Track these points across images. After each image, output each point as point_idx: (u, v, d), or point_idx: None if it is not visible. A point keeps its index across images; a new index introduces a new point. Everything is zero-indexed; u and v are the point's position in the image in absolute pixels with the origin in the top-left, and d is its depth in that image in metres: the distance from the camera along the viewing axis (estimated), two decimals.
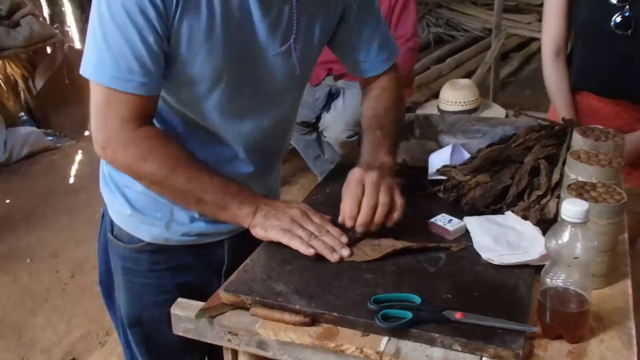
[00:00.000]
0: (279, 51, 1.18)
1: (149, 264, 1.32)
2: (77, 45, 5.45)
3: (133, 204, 1.28)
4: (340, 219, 1.14)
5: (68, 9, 5.42)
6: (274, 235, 1.12)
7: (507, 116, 3.12)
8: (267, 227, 1.13)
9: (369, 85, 1.42)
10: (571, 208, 0.86)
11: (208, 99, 1.17)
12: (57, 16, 5.31)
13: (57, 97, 4.97)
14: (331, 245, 1.10)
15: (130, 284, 1.34)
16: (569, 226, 0.87)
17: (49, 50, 4.90)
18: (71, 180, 4.37)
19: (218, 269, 1.34)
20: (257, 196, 1.19)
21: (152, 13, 1.03)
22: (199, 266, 1.34)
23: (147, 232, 1.29)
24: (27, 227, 3.64)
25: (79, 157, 4.72)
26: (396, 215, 1.14)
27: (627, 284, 1.04)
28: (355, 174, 1.17)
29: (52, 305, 2.93)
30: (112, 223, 1.34)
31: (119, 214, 1.31)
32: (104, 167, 1.33)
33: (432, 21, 7.37)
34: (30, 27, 4.47)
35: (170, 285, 1.33)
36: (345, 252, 1.10)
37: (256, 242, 1.18)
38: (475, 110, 3.08)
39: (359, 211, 1.12)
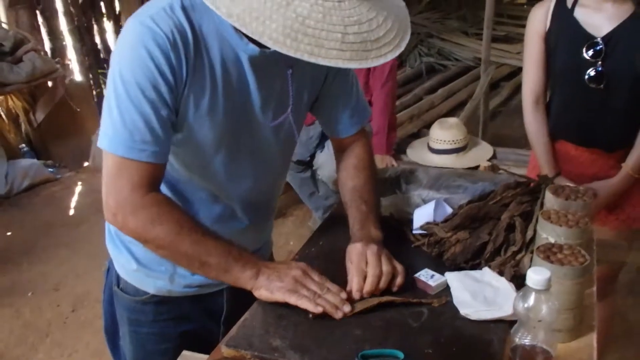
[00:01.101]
0: (276, 121, 1.30)
1: (153, 314, 1.42)
2: (78, 77, 5.54)
3: (138, 259, 1.38)
4: (348, 289, 1.23)
5: (69, 43, 5.50)
6: (281, 296, 1.18)
7: (494, 154, 3.23)
8: (272, 289, 1.19)
9: (344, 152, 1.51)
10: (534, 277, 0.97)
11: (211, 163, 1.28)
12: (58, 50, 5.39)
13: (57, 129, 5.03)
14: (334, 303, 1.18)
15: (135, 333, 1.44)
16: (534, 292, 0.98)
17: (50, 84, 4.99)
18: (71, 212, 4.45)
19: (217, 318, 1.44)
20: (258, 259, 1.25)
21: (163, 88, 1.14)
22: (199, 315, 1.44)
23: (152, 285, 1.39)
24: (29, 260, 3.71)
25: (78, 188, 4.80)
26: (399, 280, 1.25)
27: (593, 338, 1.14)
28: (357, 248, 1.27)
29: (54, 339, 3.00)
30: (118, 277, 1.44)
31: (125, 268, 1.41)
32: (111, 226, 1.42)
33: (424, 51, 7.48)
34: (32, 63, 4.56)
35: (173, 334, 1.42)
36: (347, 308, 1.18)
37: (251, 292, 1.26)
38: (463, 148, 3.19)
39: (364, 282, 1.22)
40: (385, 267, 1.24)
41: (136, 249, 1.37)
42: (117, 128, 1.14)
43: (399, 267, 1.27)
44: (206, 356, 1.13)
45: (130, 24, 1.14)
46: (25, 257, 3.75)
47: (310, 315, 1.16)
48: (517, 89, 6.61)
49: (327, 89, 1.41)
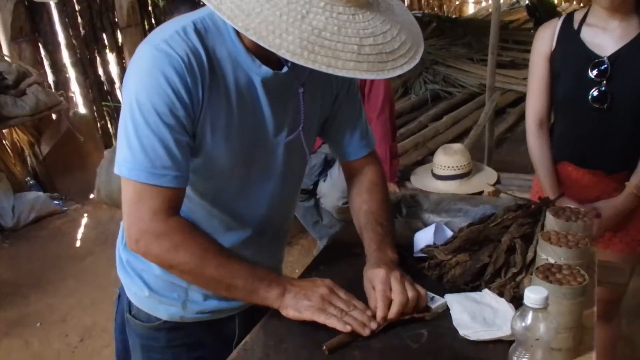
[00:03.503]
0: (289, 138, 1.31)
1: (166, 340, 1.41)
2: (81, 110, 5.56)
3: (151, 286, 1.38)
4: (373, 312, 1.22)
5: (72, 75, 5.52)
6: (309, 315, 1.18)
7: (498, 179, 3.23)
8: (299, 308, 1.19)
9: (356, 176, 1.51)
10: (531, 295, 0.97)
11: (225, 188, 1.29)
12: (61, 83, 5.42)
13: (63, 162, 5.06)
14: (361, 321, 1.18)
15: None
16: (531, 311, 0.98)
17: (54, 116, 5.04)
18: (77, 244, 4.46)
19: (229, 343, 1.42)
20: (282, 278, 1.25)
21: (181, 112, 1.14)
22: (212, 341, 1.44)
23: (165, 311, 1.39)
24: (36, 292, 3.72)
25: (84, 220, 4.82)
26: (422, 303, 1.25)
27: (592, 357, 1.14)
28: (380, 275, 1.25)
29: None
30: (129, 304, 1.44)
31: (137, 295, 1.41)
32: (122, 254, 1.43)
33: (429, 78, 7.48)
34: (36, 97, 4.60)
35: None
36: (374, 325, 1.18)
37: (264, 316, 1.27)
38: (467, 174, 3.19)
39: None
40: (411, 294, 1.22)
41: (148, 275, 1.38)
42: (137, 155, 1.14)
43: (422, 290, 1.26)
44: None
45: (144, 49, 1.15)
46: (32, 289, 3.76)
47: (326, 350, 1.14)
48: (523, 115, 6.51)
49: (336, 110, 1.43)
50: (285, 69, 1.23)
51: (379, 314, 1.20)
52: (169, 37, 1.14)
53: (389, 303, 1.21)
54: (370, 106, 3.17)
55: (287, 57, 0.96)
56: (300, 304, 1.20)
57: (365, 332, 1.17)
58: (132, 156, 1.15)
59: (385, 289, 1.22)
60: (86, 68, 5.59)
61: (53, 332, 3.31)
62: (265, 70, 1.21)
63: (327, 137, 1.49)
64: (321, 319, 1.18)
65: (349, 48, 0.98)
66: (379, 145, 3.21)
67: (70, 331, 3.30)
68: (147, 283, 1.38)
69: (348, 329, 1.16)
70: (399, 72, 1.04)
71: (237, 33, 1.18)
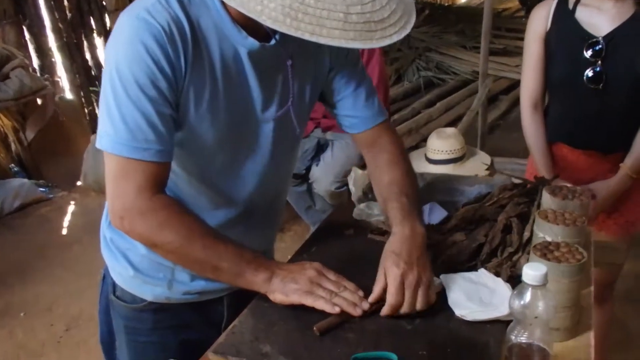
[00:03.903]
0: (278, 113, 1.26)
1: (151, 322, 1.37)
2: (68, 95, 5.47)
3: (135, 266, 1.34)
4: (371, 299, 1.16)
5: (58, 60, 5.41)
6: (297, 298, 1.15)
7: (492, 164, 3.20)
8: (287, 292, 1.16)
9: (372, 149, 1.43)
10: (530, 272, 0.94)
11: (212, 163, 1.25)
12: (47, 67, 5.31)
13: (49, 149, 4.97)
14: (352, 301, 1.15)
15: (133, 342, 1.40)
16: (530, 288, 0.94)
17: (39, 101, 4.94)
18: (64, 232, 4.40)
19: (218, 325, 1.38)
20: (271, 262, 1.22)
21: (163, 84, 1.10)
22: (199, 323, 1.40)
23: (150, 292, 1.35)
24: (21, 281, 3.66)
25: (71, 208, 4.75)
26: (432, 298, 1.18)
27: (590, 337, 1.11)
28: (395, 273, 1.15)
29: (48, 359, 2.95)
30: (114, 285, 1.40)
31: (122, 275, 1.37)
32: (106, 232, 1.38)
33: (422, 65, 7.50)
34: (20, 80, 4.50)
35: (173, 343, 1.38)
36: (365, 305, 1.14)
37: (253, 298, 1.23)
38: (461, 158, 3.16)
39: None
40: (419, 306, 1.15)
41: (132, 255, 1.34)
42: (118, 128, 1.10)
43: (433, 297, 1.18)
44: None
45: (124, 18, 1.10)
46: (17, 277, 3.69)
47: (317, 331, 1.11)
48: (516, 102, 6.63)
49: (331, 82, 1.38)
50: (273, 42, 1.19)
51: (384, 312, 1.15)
52: (150, 5, 1.09)
53: (396, 305, 1.15)
54: None
55: (269, 24, 0.92)
56: (288, 288, 1.16)
57: (357, 312, 1.13)
58: (114, 129, 1.11)
59: (397, 295, 1.14)
60: (73, 52, 5.48)
61: (38, 321, 3.26)
62: (252, 42, 1.16)
63: (332, 109, 1.44)
64: (309, 301, 1.14)
65: (335, 16, 0.93)
66: None
67: (55, 321, 3.25)
68: (132, 262, 1.34)
69: (337, 310, 1.12)
70: (387, 42, 0.98)
71: (223, 3, 1.14)
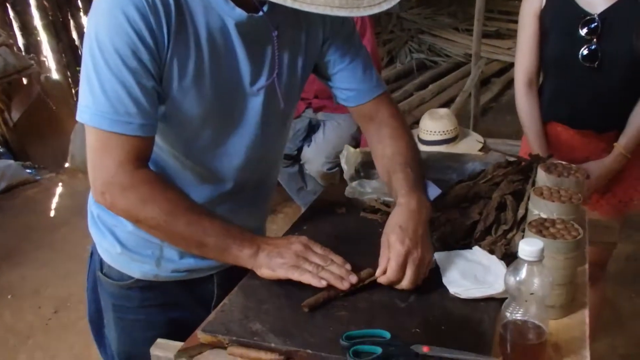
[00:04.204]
0: (262, 86, 1.22)
1: (139, 300, 1.35)
2: (54, 75, 5.39)
3: (123, 243, 1.31)
4: (379, 272, 1.14)
5: (44, 39, 5.33)
6: (283, 273, 1.13)
7: (485, 144, 3.18)
8: (273, 266, 1.14)
9: (372, 122, 1.40)
10: (527, 248, 0.92)
11: (198, 138, 1.22)
12: (32, 46, 5.22)
13: (35, 129, 4.90)
14: (339, 275, 1.13)
15: (120, 320, 1.37)
16: (526, 264, 0.92)
17: (24, 81, 4.87)
18: (52, 213, 4.36)
19: (207, 304, 1.36)
20: (256, 237, 1.19)
21: (145, 55, 1.07)
22: (188, 302, 1.37)
23: (138, 269, 1.33)
24: (8, 263, 3.61)
25: (59, 189, 4.70)
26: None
27: (585, 314, 1.09)
28: (398, 250, 1.12)
29: (36, 342, 2.92)
30: (101, 262, 1.37)
31: (109, 252, 1.34)
32: (93, 208, 1.36)
33: (415, 47, 7.48)
34: (4, 59, 4.42)
35: (161, 321, 1.36)
36: (353, 278, 1.12)
37: (244, 276, 1.21)
38: (453, 139, 3.14)
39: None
40: (419, 283, 1.13)
41: (120, 231, 1.31)
42: (99, 100, 1.07)
43: (426, 273, 1.16)
44: (181, 343, 1.07)
45: None
46: (4, 260, 3.65)
47: (305, 308, 1.09)
48: (508, 85, 6.63)
49: (325, 54, 1.34)
50: (261, 13, 1.15)
51: (382, 281, 1.13)
52: None
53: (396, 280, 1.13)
54: None
55: None
56: (274, 262, 1.14)
57: (344, 286, 1.11)
58: (94, 101, 1.08)
59: (398, 272, 1.11)
60: (59, 31, 5.40)
61: (25, 304, 3.22)
62: (240, 13, 1.13)
63: (326, 83, 1.40)
64: (295, 275, 1.12)
65: None
66: None
67: (43, 303, 3.22)
68: (119, 239, 1.31)
69: (323, 284, 1.11)
70: (376, 10, 0.94)
71: None
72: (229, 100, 1.21)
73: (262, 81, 1.22)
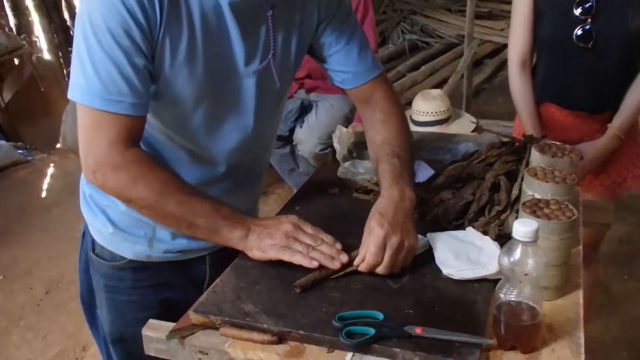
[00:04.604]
0: (258, 68, 1.21)
1: (131, 281, 1.34)
2: (46, 56, 5.35)
3: (115, 223, 1.30)
4: (359, 260, 1.13)
5: (35, 19, 5.27)
6: (274, 254, 1.13)
7: (477, 125, 3.17)
8: (263, 248, 1.14)
9: (367, 105, 1.39)
10: (521, 228, 0.91)
11: (191, 119, 1.20)
12: (24, 27, 5.17)
13: (27, 110, 4.88)
14: (330, 254, 1.13)
15: (113, 301, 1.36)
16: (520, 245, 0.92)
17: (16, 62, 4.83)
18: (43, 194, 4.33)
19: (200, 285, 1.36)
20: (247, 217, 1.19)
21: (137, 34, 1.05)
22: (181, 282, 1.37)
23: (130, 249, 1.32)
24: None
25: (50, 170, 4.67)
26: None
27: (579, 295, 1.09)
28: (378, 233, 1.11)
29: (27, 322, 2.92)
30: (93, 242, 1.36)
31: (101, 232, 1.33)
32: (85, 188, 1.34)
33: (407, 28, 7.45)
34: None
35: (153, 302, 1.35)
36: (344, 258, 1.12)
37: (236, 257, 1.20)
38: (446, 120, 3.13)
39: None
40: (396, 270, 1.13)
41: (112, 212, 1.30)
42: (90, 78, 1.06)
43: (409, 260, 1.15)
44: (173, 324, 1.06)
45: None
46: None
47: (297, 288, 1.08)
48: (501, 66, 6.62)
49: (321, 35, 1.32)
50: None
51: (362, 268, 1.12)
52: None
53: (374, 265, 1.12)
54: None
55: None
56: (264, 244, 1.14)
57: (335, 265, 1.11)
58: (86, 80, 1.07)
59: (377, 255, 1.10)
60: (50, 12, 5.34)
61: (17, 284, 3.22)
62: None
63: (321, 65, 1.39)
64: (286, 256, 1.12)
65: None
66: None
67: (35, 284, 3.21)
68: (112, 219, 1.30)
69: (314, 264, 1.11)
70: None
71: None
72: (222, 81, 1.19)
73: (257, 62, 1.21)
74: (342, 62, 1.35)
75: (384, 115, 1.37)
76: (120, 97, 1.07)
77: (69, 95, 1.10)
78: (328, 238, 1.16)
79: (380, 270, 1.12)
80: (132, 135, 1.12)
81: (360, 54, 1.35)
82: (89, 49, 1.06)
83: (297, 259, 1.11)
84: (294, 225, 1.16)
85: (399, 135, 1.35)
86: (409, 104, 3.82)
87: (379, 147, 1.33)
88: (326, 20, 1.31)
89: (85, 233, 1.39)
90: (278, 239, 1.14)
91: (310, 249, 1.13)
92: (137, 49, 1.06)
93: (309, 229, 1.17)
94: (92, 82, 1.06)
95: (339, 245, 1.15)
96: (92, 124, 1.10)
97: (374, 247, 1.11)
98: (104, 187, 1.16)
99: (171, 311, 1.13)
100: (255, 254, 1.15)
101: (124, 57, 1.06)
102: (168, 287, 1.36)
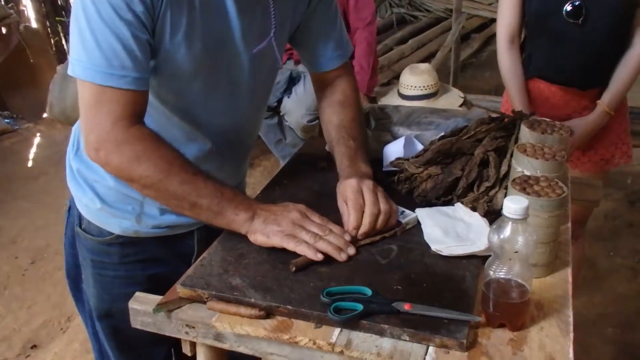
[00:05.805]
0: (259, 47, 1.20)
1: (119, 256, 1.33)
2: (34, 25, 5.28)
3: (103, 198, 1.28)
4: (345, 228, 1.15)
5: None
6: (278, 241, 1.10)
7: (465, 100, 3.16)
8: (268, 233, 1.11)
9: (328, 88, 1.43)
10: (511, 205, 0.90)
11: (187, 95, 1.19)
12: None
13: (14, 79, 4.83)
14: (337, 245, 1.11)
15: (99, 276, 1.35)
16: (510, 222, 0.91)
17: (3, 30, 4.77)
18: (30, 164, 4.30)
19: (188, 260, 1.34)
20: (252, 201, 1.17)
21: (139, 7, 1.03)
22: (169, 257, 1.36)
23: (118, 225, 1.30)
24: None
25: (37, 140, 4.63)
26: (392, 220, 1.18)
27: (568, 273, 1.09)
28: (352, 185, 1.19)
29: (12, 292, 2.91)
30: (80, 217, 1.34)
31: (88, 208, 1.31)
32: (72, 162, 1.32)
33: (395, 2, 7.37)
34: None
35: (141, 277, 1.34)
36: (351, 250, 1.10)
37: (223, 231, 1.19)
38: (434, 94, 3.12)
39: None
40: (383, 206, 1.16)
41: (100, 187, 1.28)
42: (92, 53, 1.03)
43: (394, 206, 1.19)
44: (160, 297, 1.05)
45: None
46: None
47: (293, 268, 1.07)
48: (488, 40, 6.59)
49: (308, 18, 1.33)
50: None
51: (352, 223, 1.14)
52: None
53: (362, 213, 1.15)
54: (359, 16, 3.06)
55: None
56: (269, 229, 1.11)
57: (342, 257, 1.09)
58: (87, 55, 1.04)
59: (357, 198, 1.16)
60: None
61: (2, 254, 3.20)
62: None
63: (299, 46, 1.40)
64: (290, 245, 1.10)
65: None
66: (365, 55, 3.12)
67: (20, 253, 3.19)
68: (99, 194, 1.28)
69: (319, 257, 1.08)
70: None
71: None
72: (219, 58, 1.18)
73: (254, 40, 1.20)
74: (321, 47, 1.38)
75: (344, 97, 1.40)
76: (124, 71, 1.05)
77: (70, 72, 1.07)
78: (336, 228, 1.14)
79: (366, 211, 1.15)
80: (136, 111, 1.10)
81: (336, 43, 1.38)
82: (89, 23, 1.03)
83: (302, 249, 1.09)
84: (302, 214, 1.14)
85: (354, 120, 1.39)
86: (397, 77, 3.80)
87: (336, 130, 1.36)
88: (313, 3, 1.32)
89: (72, 207, 1.37)
90: (284, 226, 1.12)
91: (318, 239, 1.10)
92: (139, 23, 1.04)
93: (316, 218, 1.15)
94: (93, 56, 1.04)
95: (347, 237, 1.13)
96: (95, 100, 1.07)
97: (352, 194, 1.17)
98: (107, 166, 1.13)
99: (159, 287, 1.12)
100: (259, 238, 1.12)
101: (127, 30, 1.03)
102: (155, 263, 1.35)
